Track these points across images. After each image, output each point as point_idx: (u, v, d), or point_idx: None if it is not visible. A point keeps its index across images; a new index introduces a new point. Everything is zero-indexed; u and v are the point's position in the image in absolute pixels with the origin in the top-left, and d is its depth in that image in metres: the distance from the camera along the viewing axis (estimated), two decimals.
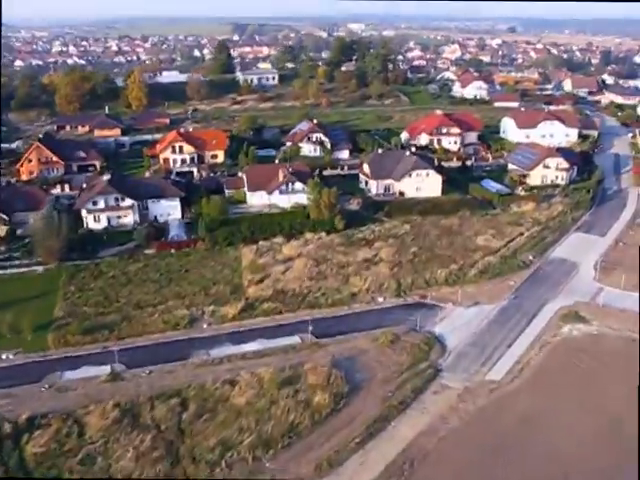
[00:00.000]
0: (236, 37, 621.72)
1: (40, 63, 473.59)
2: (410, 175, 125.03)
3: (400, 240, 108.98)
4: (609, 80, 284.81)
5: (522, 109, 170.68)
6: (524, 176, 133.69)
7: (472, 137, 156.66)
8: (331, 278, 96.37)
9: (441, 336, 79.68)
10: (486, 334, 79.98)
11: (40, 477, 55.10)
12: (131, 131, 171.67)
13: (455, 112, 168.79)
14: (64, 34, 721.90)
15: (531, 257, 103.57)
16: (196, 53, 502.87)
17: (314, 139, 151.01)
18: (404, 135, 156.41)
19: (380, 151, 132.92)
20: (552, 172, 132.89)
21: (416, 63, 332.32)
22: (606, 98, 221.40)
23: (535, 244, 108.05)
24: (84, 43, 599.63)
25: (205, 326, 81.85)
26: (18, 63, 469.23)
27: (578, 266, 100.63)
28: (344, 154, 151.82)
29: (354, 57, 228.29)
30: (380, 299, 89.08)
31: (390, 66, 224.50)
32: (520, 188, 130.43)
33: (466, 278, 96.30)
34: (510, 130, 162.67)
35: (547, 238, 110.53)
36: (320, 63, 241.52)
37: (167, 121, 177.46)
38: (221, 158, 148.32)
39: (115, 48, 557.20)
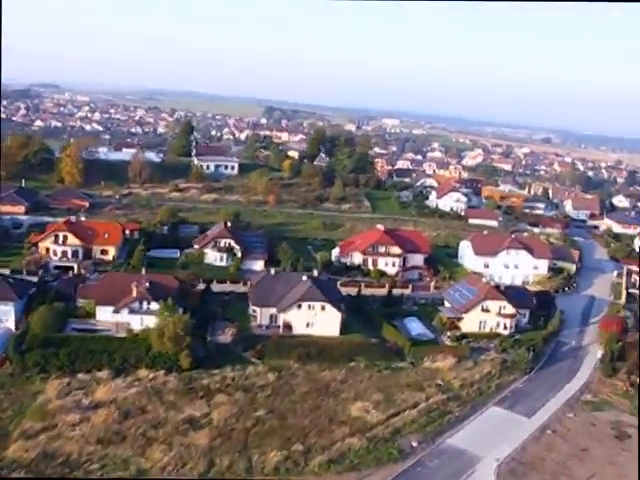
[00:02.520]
0: (264, 120, 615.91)
1: (59, 125, 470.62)
2: (299, 306, 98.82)
3: (251, 396, 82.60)
4: (624, 203, 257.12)
5: (485, 232, 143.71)
6: (457, 319, 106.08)
7: (417, 260, 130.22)
8: (129, 443, 71.20)
9: None
10: None
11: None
12: (41, 210, 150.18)
13: (400, 229, 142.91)
14: (103, 100, 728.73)
15: (415, 443, 75.45)
16: (213, 132, 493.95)
17: (222, 245, 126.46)
18: (335, 251, 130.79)
19: (272, 271, 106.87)
20: (492, 317, 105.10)
21: (401, 165, 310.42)
22: (604, 224, 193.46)
23: (430, 422, 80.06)
24: (112, 110, 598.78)
25: None
26: (38, 123, 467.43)
27: (476, 463, 72.27)
28: (258, 265, 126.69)
29: (325, 152, 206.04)
30: None
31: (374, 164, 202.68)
32: (447, 335, 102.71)
33: (307, 468, 69.13)
34: (467, 256, 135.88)
35: (451, 414, 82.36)
36: (292, 154, 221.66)
37: (86, 204, 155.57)
38: (113, 254, 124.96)
39: (137, 118, 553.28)
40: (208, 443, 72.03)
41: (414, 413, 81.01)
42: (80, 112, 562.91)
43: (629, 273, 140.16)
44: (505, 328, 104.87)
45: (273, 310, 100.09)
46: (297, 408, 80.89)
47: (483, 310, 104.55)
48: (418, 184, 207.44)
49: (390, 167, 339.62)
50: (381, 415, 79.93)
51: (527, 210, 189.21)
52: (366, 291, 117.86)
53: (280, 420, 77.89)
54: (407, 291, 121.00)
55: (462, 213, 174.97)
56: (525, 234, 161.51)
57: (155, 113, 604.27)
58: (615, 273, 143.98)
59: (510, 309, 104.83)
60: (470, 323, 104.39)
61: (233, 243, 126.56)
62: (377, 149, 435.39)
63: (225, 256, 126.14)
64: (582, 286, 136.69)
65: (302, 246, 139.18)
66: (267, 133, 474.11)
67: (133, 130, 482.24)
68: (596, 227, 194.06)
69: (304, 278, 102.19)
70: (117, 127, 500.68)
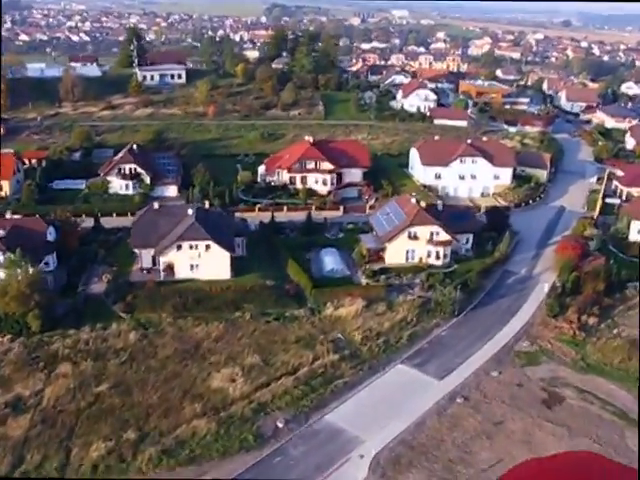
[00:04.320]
0: (264, 19, 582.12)
1: (45, 38, 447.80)
2: (180, 247, 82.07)
3: (101, 364, 67.67)
4: (634, 89, 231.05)
5: (436, 137, 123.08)
6: (381, 250, 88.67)
7: (355, 175, 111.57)
8: None
9: None
10: None
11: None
12: None
13: (334, 139, 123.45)
14: (100, 7, 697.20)
15: (280, 423, 60.09)
16: (210, 34, 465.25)
17: (127, 171, 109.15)
18: (261, 169, 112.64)
19: (156, 206, 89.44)
20: (422, 246, 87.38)
21: (395, 59, 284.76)
22: (597, 118, 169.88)
23: (309, 392, 64.27)
24: (104, 19, 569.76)
25: None
26: (23, 37, 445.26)
27: (352, 450, 57.13)
28: (171, 191, 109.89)
29: (288, 52, 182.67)
30: None
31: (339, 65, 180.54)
32: (362, 270, 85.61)
33: (133, 465, 54.64)
34: (417, 167, 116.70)
35: (340, 378, 66.44)
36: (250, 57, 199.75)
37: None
38: (6, 190, 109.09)
39: (131, 26, 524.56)
40: (23, 433, 57.86)
41: (291, 381, 65.20)
42: (70, 22, 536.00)
43: (610, 177, 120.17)
44: (438, 258, 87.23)
45: (153, 251, 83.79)
46: (150, 379, 65.77)
47: (410, 237, 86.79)
48: (387, 82, 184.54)
49: (383, 62, 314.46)
50: (249, 385, 64.39)
51: (508, 106, 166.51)
52: (289, 215, 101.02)
53: (124, 397, 63.06)
54: (337, 213, 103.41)
55: (428, 113, 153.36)
56: (495, 136, 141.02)
57: (150, 19, 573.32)
58: (595, 178, 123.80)
59: (444, 235, 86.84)
60: (395, 254, 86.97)
61: (139, 169, 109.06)
62: (376, 43, 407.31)
63: (131, 184, 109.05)
64: (553, 195, 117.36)
65: (230, 164, 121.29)
66: (262, 32, 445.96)
67: (122, 39, 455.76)
68: (588, 122, 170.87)
69: (189, 212, 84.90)
70: (106, 36, 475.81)
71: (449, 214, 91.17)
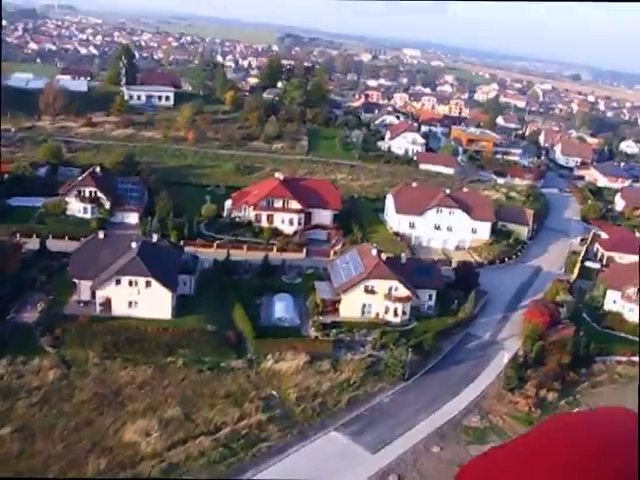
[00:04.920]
0: (275, 47, 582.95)
1: (53, 49, 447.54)
2: (119, 282, 76.63)
3: (10, 404, 62.23)
4: (632, 148, 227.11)
5: (414, 184, 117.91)
6: (336, 301, 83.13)
7: (325, 217, 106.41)
8: None
9: None
10: None
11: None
12: None
13: (305, 178, 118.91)
14: (117, 23, 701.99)
15: None
16: (218, 58, 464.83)
17: (86, 194, 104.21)
18: (228, 203, 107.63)
19: (101, 235, 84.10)
20: (379, 301, 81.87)
21: (398, 98, 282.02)
22: (590, 175, 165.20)
23: (226, 456, 58.31)
24: (116, 34, 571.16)
25: None
26: (31, 45, 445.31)
27: None
28: (131, 219, 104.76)
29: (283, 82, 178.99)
30: None
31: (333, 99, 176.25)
32: (312, 322, 79.98)
33: None
34: (390, 214, 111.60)
35: (265, 442, 60.48)
36: (243, 85, 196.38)
37: None
38: None
39: (142, 43, 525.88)
40: None
41: (210, 441, 59.26)
42: (82, 35, 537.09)
43: (594, 239, 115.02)
44: (396, 315, 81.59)
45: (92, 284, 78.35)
46: (59, 425, 59.92)
47: (367, 291, 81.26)
48: (377, 122, 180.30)
49: (386, 100, 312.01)
50: (163, 442, 58.49)
51: (500, 156, 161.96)
52: (249, 254, 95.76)
53: (25, 443, 57.11)
54: (299, 256, 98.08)
55: (415, 158, 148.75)
56: (482, 187, 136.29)
57: (161, 38, 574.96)
58: (579, 238, 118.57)
59: (403, 290, 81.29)
60: (350, 307, 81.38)
61: (99, 193, 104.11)
62: (383, 80, 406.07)
63: (89, 207, 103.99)
64: (533, 253, 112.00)
65: (200, 195, 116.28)
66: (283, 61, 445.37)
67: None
68: (581, 178, 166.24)
69: (133, 245, 79.56)
70: (115, 51, 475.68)
71: (413, 268, 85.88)
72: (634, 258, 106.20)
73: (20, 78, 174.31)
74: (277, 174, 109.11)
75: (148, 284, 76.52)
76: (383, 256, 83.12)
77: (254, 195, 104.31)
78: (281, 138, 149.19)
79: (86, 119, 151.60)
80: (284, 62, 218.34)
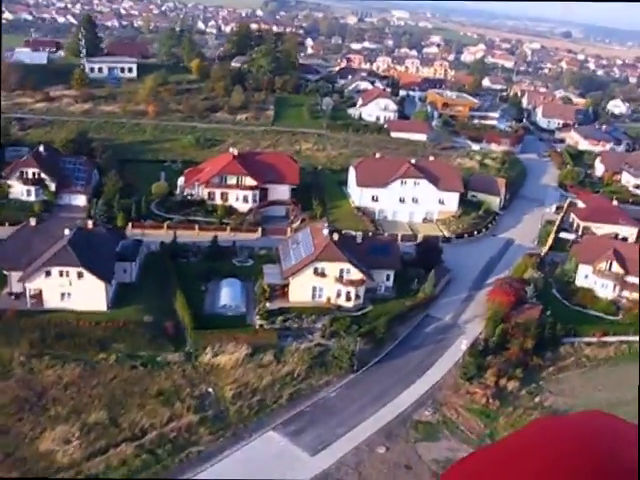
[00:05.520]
0: (260, 12, 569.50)
1: (29, 18, 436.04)
2: (49, 273, 71.24)
3: None
4: (620, 108, 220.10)
5: (377, 155, 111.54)
6: (285, 286, 77.82)
7: (282, 192, 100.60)
8: None
9: None
10: None
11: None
12: None
13: (262, 152, 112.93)
14: None
15: None
16: (200, 25, 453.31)
17: (29, 176, 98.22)
18: (180, 181, 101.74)
19: (33, 222, 78.42)
20: (330, 284, 76.58)
21: (381, 62, 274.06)
22: (571, 138, 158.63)
23: (154, 462, 53.76)
24: (96, 1, 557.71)
25: None
26: (6, 15, 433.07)
27: None
28: (79, 200, 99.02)
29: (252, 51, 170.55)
30: None
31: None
32: (257, 309, 74.81)
33: None
34: (352, 188, 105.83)
35: (194, 446, 55.73)
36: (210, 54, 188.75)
37: None
38: None
39: (122, 11, 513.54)
40: None
41: (133, 447, 54.46)
42: (59, 3, 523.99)
43: (570, 208, 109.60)
44: (349, 299, 76.37)
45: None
46: None
47: (317, 274, 75.92)
48: (351, 88, 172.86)
49: (369, 64, 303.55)
50: (83, 450, 53.77)
51: (477, 121, 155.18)
52: (201, 235, 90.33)
53: None
54: (255, 236, 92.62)
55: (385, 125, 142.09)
56: (455, 154, 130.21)
57: (143, 5, 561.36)
58: (554, 207, 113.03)
59: (356, 273, 75.96)
60: (300, 291, 76.11)
61: (43, 174, 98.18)
62: (367, 43, 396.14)
63: (33, 190, 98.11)
64: (504, 225, 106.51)
65: (155, 172, 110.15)
66: (253, 26, 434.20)
67: (109, 24, 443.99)
68: (562, 141, 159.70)
69: (66, 232, 73.96)
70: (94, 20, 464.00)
71: (368, 247, 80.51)
72: (611, 228, 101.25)
73: None
74: (231, 149, 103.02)
75: (80, 275, 71.22)
76: (336, 236, 77.15)
77: (207, 172, 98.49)
78: (247, 108, 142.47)
79: (43, 94, 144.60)
80: (255, 28, 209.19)
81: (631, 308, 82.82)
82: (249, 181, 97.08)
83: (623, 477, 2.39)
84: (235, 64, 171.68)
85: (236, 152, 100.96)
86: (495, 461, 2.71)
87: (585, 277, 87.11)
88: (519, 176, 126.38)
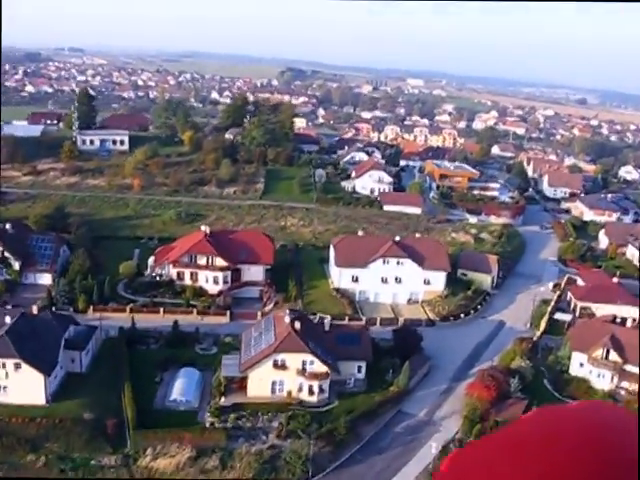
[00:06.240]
0: (275, 82, 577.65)
1: (49, 91, 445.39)
2: None
3: None
4: (633, 174, 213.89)
5: (360, 233, 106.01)
6: (243, 379, 71.41)
7: (256, 273, 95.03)
8: None
9: None
10: None
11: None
12: None
13: (236, 230, 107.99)
14: (121, 63, 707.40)
15: None
16: (214, 95, 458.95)
17: None
18: (151, 260, 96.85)
19: None
20: (292, 377, 70.10)
21: (390, 130, 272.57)
22: (576, 208, 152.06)
23: None
24: (115, 74, 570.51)
25: None
26: (29, 88, 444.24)
27: None
28: (45, 279, 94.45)
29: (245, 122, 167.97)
30: None
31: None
32: (211, 405, 68.35)
33: None
34: (332, 267, 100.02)
35: None
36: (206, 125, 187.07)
37: None
38: None
39: (140, 83, 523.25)
40: None
41: None
42: (81, 76, 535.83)
43: (567, 285, 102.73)
44: (312, 393, 69.68)
45: None
46: None
47: (277, 367, 69.56)
48: (346, 159, 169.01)
49: (377, 133, 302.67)
50: None
51: (477, 191, 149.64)
52: (166, 319, 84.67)
53: None
54: (222, 320, 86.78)
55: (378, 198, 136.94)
56: (451, 227, 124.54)
57: (161, 76, 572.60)
58: (551, 284, 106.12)
59: (319, 366, 69.48)
60: (258, 385, 69.63)
61: (6, 252, 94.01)
62: (378, 112, 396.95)
63: None
64: (496, 306, 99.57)
65: (131, 249, 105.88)
66: (266, 96, 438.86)
67: (125, 95, 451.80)
68: (567, 211, 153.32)
69: (7, 320, 68.82)
70: (111, 92, 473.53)
71: (337, 336, 74.24)
72: (611, 308, 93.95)
73: None
74: (203, 227, 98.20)
75: (17, 366, 65.81)
76: (298, 324, 71.01)
77: (176, 250, 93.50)
78: (236, 181, 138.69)
79: (30, 167, 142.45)
80: (252, 99, 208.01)
81: (631, 401, 74.94)
82: (219, 261, 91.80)
83: (624, 466, 2.41)
84: (229, 135, 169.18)
85: (208, 230, 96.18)
86: (495, 449, 2.65)
87: (580, 366, 79.77)
88: (516, 250, 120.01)
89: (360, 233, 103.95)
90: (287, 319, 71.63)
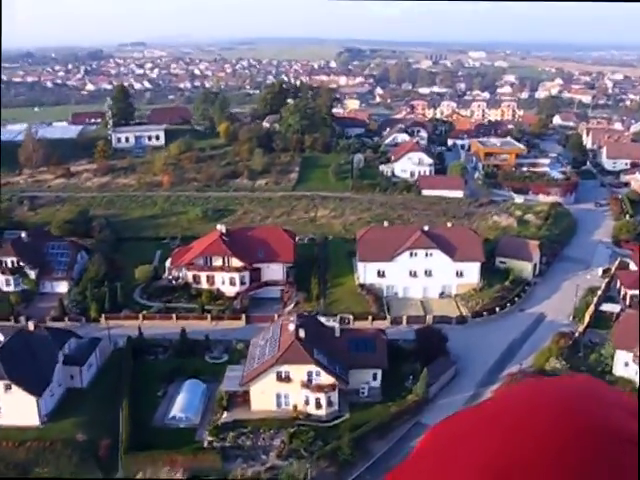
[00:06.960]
0: (333, 63, 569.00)
1: (109, 88, 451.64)
2: None
3: None
4: None
5: (385, 224, 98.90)
6: (246, 392, 66.69)
7: (276, 272, 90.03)
8: None
9: None
10: None
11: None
12: None
13: (254, 226, 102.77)
14: (181, 54, 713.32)
15: None
16: (270, 80, 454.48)
17: (9, 264, 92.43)
18: (168, 263, 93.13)
19: None
20: (296, 390, 64.98)
21: (445, 106, 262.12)
22: (636, 181, 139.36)
23: None
24: (173, 65, 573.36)
25: None
26: (89, 87, 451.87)
27: None
28: (62, 287, 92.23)
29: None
30: None
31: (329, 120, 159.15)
32: (210, 422, 63.94)
33: None
34: (357, 262, 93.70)
35: None
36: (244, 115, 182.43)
37: None
38: None
39: (197, 72, 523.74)
40: None
41: None
42: (139, 70, 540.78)
43: (618, 271, 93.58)
44: (319, 406, 64.36)
45: None
46: None
47: (280, 379, 64.49)
48: (386, 142, 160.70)
49: (432, 110, 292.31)
50: None
51: (525, 168, 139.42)
52: (179, 325, 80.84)
53: None
54: (238, 324, 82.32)
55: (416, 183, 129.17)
56: (494, 210, 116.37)
57: (218, 65, 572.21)
58: (600, 270, 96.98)
59: (326, 377, 64.02)
60: (262, 399, 64.78)
61: (22, 262, 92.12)
62: (436, 88, 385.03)
63: (12, 279, 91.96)
64: (538, 296, 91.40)
65: (153, 250, 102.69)
66: (323, 78, 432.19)
67: (182, 86, 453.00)
68: (627, 184, 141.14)
69: (0, 338, 66.13)
70: (168, 83, 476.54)
71: (349, 342, 68.50)
72: None
73: (14, 130, 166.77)
74: (219, 226, 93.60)
75: (8, 387, 62.98)
76: (302, 332, 65.60)
77: (191, 252, 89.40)
78: (269, 172, 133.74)
79: (64, 169, 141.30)
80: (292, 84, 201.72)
81: None
82: (236, 262, 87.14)
83: (614, 443, 2.32)
84: (266, 124, 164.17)
85: (224, 229, 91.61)
86: (478, 420, 2.56)
87: (625, 365, 71.54)
88: (565, 232, 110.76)
89: (385, 224, 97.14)
90: (291, 326, 66.25)
